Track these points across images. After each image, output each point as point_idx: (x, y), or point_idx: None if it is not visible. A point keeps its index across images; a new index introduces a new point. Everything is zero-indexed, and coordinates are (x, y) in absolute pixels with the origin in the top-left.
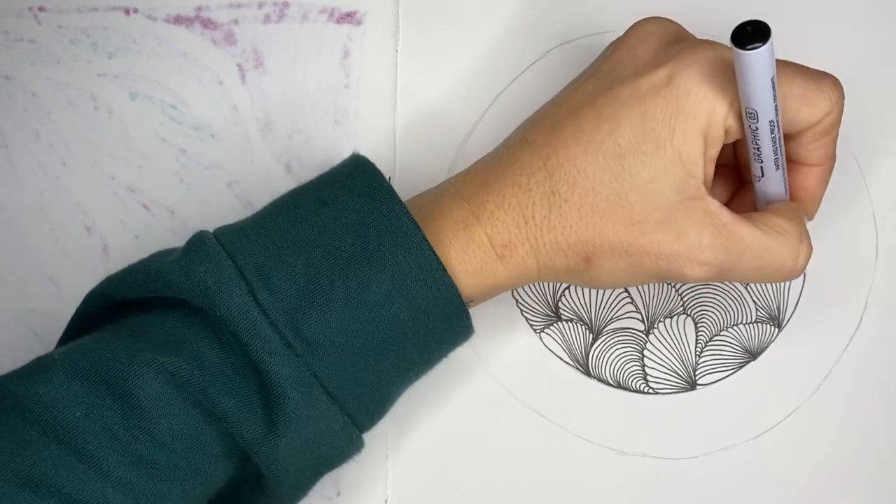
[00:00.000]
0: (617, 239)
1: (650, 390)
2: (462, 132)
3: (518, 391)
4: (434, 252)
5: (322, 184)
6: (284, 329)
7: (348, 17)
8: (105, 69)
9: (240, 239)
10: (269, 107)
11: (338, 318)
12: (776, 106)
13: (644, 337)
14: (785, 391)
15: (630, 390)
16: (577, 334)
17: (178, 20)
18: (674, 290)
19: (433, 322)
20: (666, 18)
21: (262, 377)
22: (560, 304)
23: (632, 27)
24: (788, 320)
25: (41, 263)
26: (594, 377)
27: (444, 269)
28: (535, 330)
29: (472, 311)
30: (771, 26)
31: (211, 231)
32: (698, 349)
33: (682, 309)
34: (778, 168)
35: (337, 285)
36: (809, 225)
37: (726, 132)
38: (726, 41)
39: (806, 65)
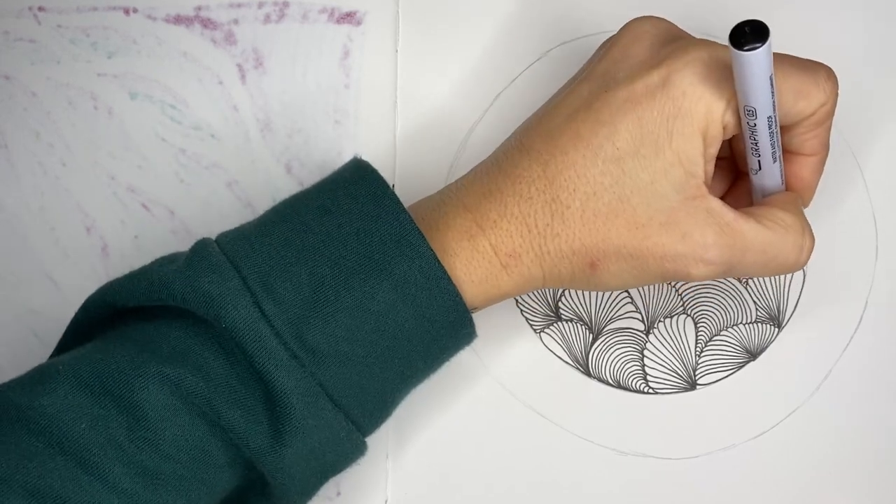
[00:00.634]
0: (621, 243)
1: (650, 390)
2: (462, 132)
3: (518, 391)
4: (438, 261)
5: (325, 190)
6: (289, 340)
7: (348, 17)
8: (105, 69)
9: (243, 248)
10: (269, 107)
11: (343, 327)
12: (774, 102)
13: (644, 337)
14: (785, 391)
15: (630, 390)
16: (577, 334)
17: (178, 20)
18: (674, 290)
19: (437, 330)
20: (658, 17)
21: (268, 388)
22: (560, 304)
23: (624, 27)
24: (788, 320)
25: (41, 263)
26: (594, 377)
27: (449, 279)
28: (535, 330)
29: (477, 312)
30: (769, 25)
31: (213, 237)
32: (698, 349)
33: (682, 309)
34: (775, 161)
35: (341, 295)
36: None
37: (724, 129)
38: (724, 39)
39: (800, 56)
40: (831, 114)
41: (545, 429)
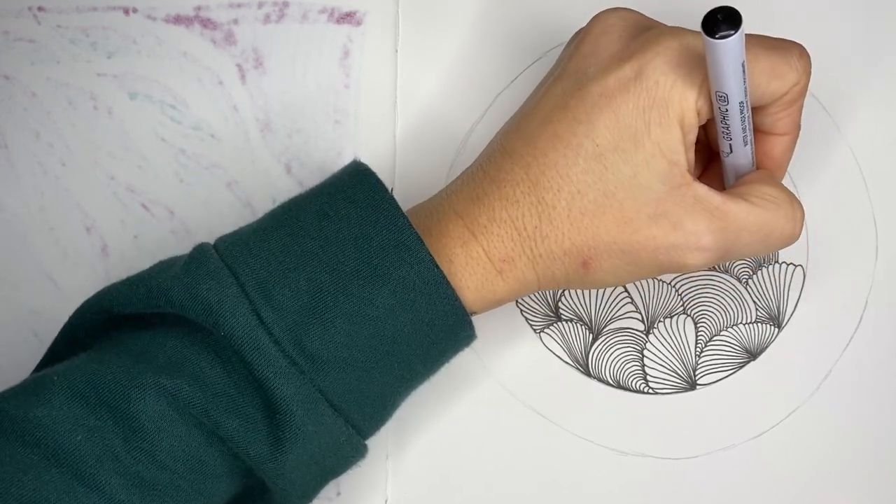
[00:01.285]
0: (611, 239)
1: (650, 390)
2: (462, 132)
3: (518, 391)
4: (437, 266)
5: (324, 194)
6: (288, 347)
7: (348, 17)
8: (105, 69)
9: (242, 253)
10: (269, 107)
11: (342, 333)
12: (745, 88)
13: (644, 337)
14: (785, 391)
15: (630, 390)
16: (577, 334)
17: (178, 20)
18: (673, 289)
19: (436, 334)
20: (626, 8)
21: (267, 395)
22: (560, 304)
23: (592, 20)
24: (788, 320)
25: (41, 263)
26: (594, 377)
27: (448, 283)
28: (535, 330)
29: (474, 317)
30: (741, 11)
31: (213, 241)
32: (698, 349)
33: (681, 309)
34: (746, 144)
35: (340, 301)
36: (810, 224)
37: (698, 115)
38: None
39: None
40: (804, 92)
41: (545, 429)
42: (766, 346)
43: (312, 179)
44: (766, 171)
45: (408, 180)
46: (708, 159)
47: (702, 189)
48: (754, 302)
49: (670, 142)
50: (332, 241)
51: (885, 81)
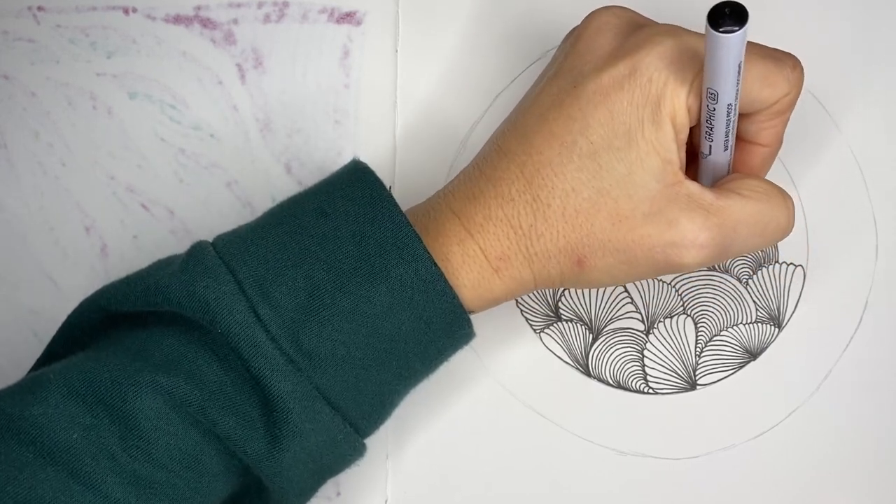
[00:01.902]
0: (605, 237)
1: (650, 390)
2: (462, 132)
3: (518, 391)
4: (435, 264)
5: (322, 192)
6: (286, 344)
7: (348, 17)
8: (104, 69)
9: (240, 251)
10: (269, 107)
11: (339, 331)
12: (737, 91)
13: (644, 337)
14: (785, 391)
15: (630, 390)
16: (577, 334)
17: (178, 20)
18: (673, 289)
19: (435, 332)
20: (620, 7)
21: (264, 393)
22: (560, 304)
23: (587, 19)
24: (788, 320)
25: (40, 263)
26: (594, 377)
27: (446, 280)
28: (535, 330)
29: (472, 315)
30: (749, 11)
31: (210, 240)
32: (698, 349)
33: (682, 309)
34: (727, 149)
35: (338, 299)
36: (810, 224)
37: (688, 112)
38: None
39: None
40: (793, 105)
41: (545, 429)
42: (766, 346)
43: (312, 179)
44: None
45: (407, 180)
46: (688, 161)
47: (694, 187)
48: (754, 302)
49: (663, 139)
50: (330, 238)
51: (886, 81)
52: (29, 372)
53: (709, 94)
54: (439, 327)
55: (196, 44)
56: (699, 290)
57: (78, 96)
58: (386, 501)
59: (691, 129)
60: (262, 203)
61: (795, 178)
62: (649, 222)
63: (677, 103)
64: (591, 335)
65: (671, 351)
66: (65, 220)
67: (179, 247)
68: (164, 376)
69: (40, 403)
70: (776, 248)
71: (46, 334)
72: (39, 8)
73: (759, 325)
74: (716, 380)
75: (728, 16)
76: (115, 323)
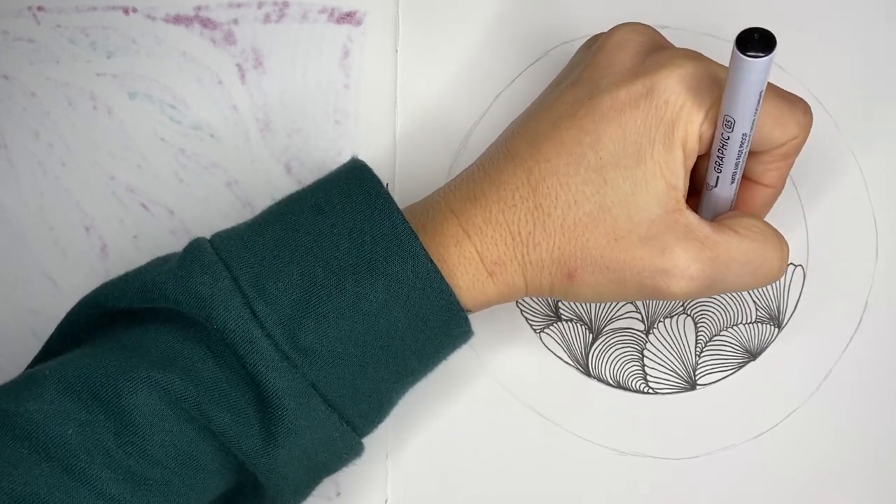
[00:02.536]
0: (599, 254)
1: (650, 390)
2: (462, 132)
3: (518, 391)
4: (431, 261)
5: (319, 189)
6: (281, 341)
7: (348, 17)
8: (104, 69)
9: (236, 248)
10: (269, 107)
11: (335, 328)
12: (754, 122)
13: (644, 337)
14: (785, 391)
15: (630, 390)
16: (577, 334)
17: (178, 20)
18: None
19: (431, 329)
20: (644, 25)
21: (259, 389)
22: (560, 304)
23: (609, 33)
24: (788, 320)
25: (40, 263)
26: (594, 377)
27: (442, 278)
28: (535, 330)
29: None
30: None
31: (208, 237)
32: (698, 349)
33: (681, 309)
34: (733, 182)
35: (334, 295)
36: (810, 224)
37: (700, 140)
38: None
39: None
40: (799, 149)
41: (545, 429)
42: (766, 346)
43: (312, 179)
44: (744, 211)
45: (408, 180)
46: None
47: (693, 217)
48: (754, 302)
49: (671, 164)
50: (327, 235)
51: (886, 81)
52: (26, 369)
53: (725, 122)
54: (436, 325)
55: (196, 44)
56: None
57: (78, 96)
58: (386, 501)
59: (697, 160)
60: (263, 203)
61: (796, 178)
62: (644, 245)
63: (691, 129)
64: (591, 335)
65: (671, 351)
66: (65, 220)
67: (179, 247)
68: (160, 372)
69: (36, 399)
70: None
71: (46, 334)
72: (39, 8)
73: (759, 325)
74: (716, 380)
75: (757, 41)
76: (113, 320)
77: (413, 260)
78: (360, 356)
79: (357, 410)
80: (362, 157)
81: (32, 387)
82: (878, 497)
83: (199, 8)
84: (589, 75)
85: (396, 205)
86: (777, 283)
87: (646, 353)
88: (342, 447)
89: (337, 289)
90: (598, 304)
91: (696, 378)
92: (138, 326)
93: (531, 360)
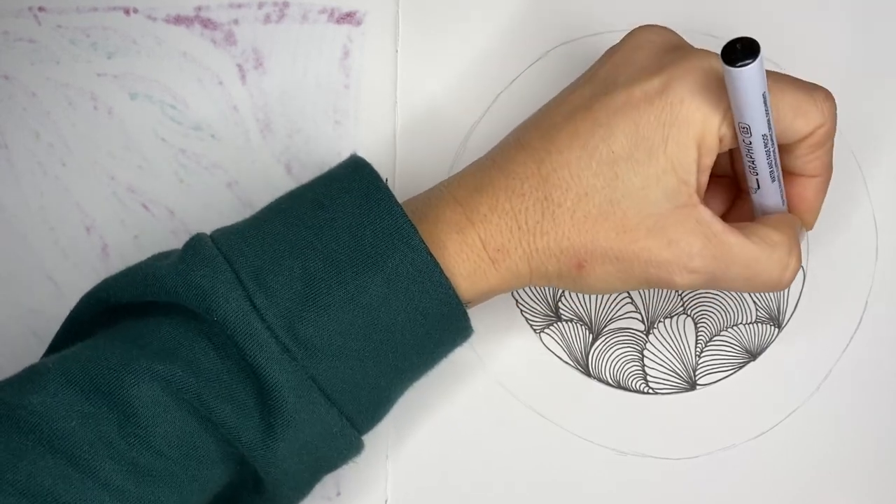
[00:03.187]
0: (608, 245)
1: (650, 390)
2: (462, 132)
3: (518, 391)
4: (430, 254)
5: (319, 185)
6: (281, 333)
7: (348, 18)
8: (105, 69)
9: (237, 242)
10: (269, 107)
11: (335, 321)
12: (769, 120)
13: (644, 337)
14: (785, 391)
15: (630, 390)
16: (577, 334)
17: (178, 20)
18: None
19: (431, 323)
20: (662, 26)
21: (260, 382)
22: (560, 304)
23: (629, 34)
24: (788, 320)
25: (41, 263)
26: (594, 377)
27: (441, 271)
28: (535, 330)
29: (471, 311)
30: (760, 42)
31: (209, 233)
32: (698, 349)
33: (682, 309)
34: (774, 180)
35: (334, 289)
36: None
37: (720, 141)
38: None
39: (798, 77)
40: (831, 136)
41: (545, 429)
42: (766, 346)
43: None
44: (792, 216)
45: (408, 180)
46: (734, 196)
47: (706, 213)
48: (754, 302)
49: (684, 161)
50: (327, 229)
51: (886, 81)
52: None
53: (741, 129)
54: (435, 318)
55: (196, 44)
56: (699, 290)
57: (78, 96)
58: (386, 501)
59: (733, 165)
60: (262, 203)
61: None
62: (651, 237)
63: (708, 129)
64: (591, 335)
65: (671, 351)
66: (65, 220)
67: (180, 246)
68: (161, 364)
69: (39, 392)
70: None
71: (46, 334)
72: (40, 8)
73: (759, 325)
74: (716, 380)
75: (740, 51)
76: (115, 315)
77: (412, 253)
78: (359, 350)
79: (357, 406)
80: (362, 156)
81: (35, 380)
82: (878, 497)
83: (199, 8)
84: (606, 73)
85: (396, 199)
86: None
87: (646, 353)
88: (342, 443)
89: (337, 282)
90: (598, 305)
91: (696, 378)
92: (140, 319)
93: (531, 360)
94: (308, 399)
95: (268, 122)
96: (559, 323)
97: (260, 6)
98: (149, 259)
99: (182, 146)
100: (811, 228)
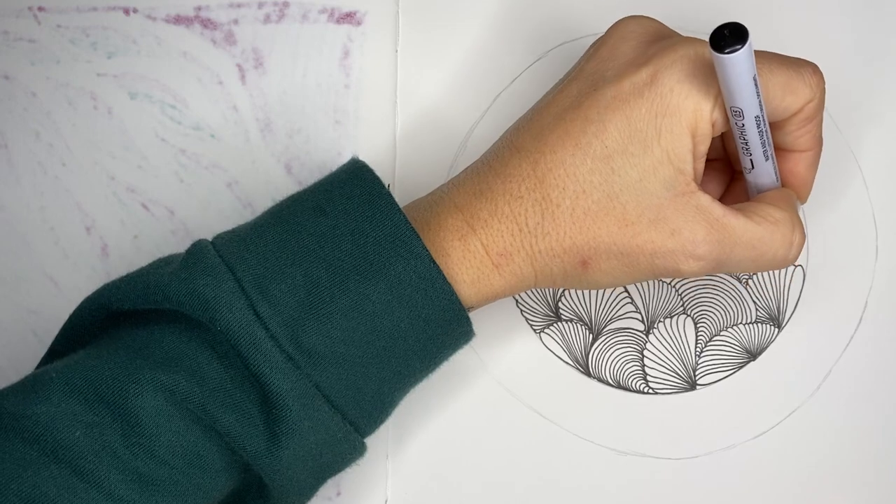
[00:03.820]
0: (611, 240)
1: (650, 390)
2: (462, 132)
3: (518, 391)
4: (433, 261)
5: (320, 190)
6: (285, 342)
7: (348, 17)
8: (105, 69)
9: (239, 250)
10: (269, 107)
11: (338, 329)
12: (760, 102)
13: (644, 337)
14: (785, 391)
15: (630, 390)
16: (577, 334)
17: (178, 20)
18: (674, 289)
19: (433, 329)
20: (646, 17)
21: (264, 390)
22: (560, 304)
23: (612, 27)
24: (788, 320)
25: (41, 263)
26: (594, 377)
27: (444, 278)
28: (535, 330)
29: (472, 312)
30: (748, 27)
31: (210, 239)
32: (698, 349)
33: (681, 309)
34: (767, 159)
35: (337, 297)
36: (810, 224)
37: (713, 126)
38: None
39: (785, 54)
40: (820, 109)
41: (545, 429)
42: (766, 346)
43: (312, 179)
44: (787, 190)
45: (408, 180)
46: (731, 178)
47: (705, 199)
48: (754, 302)
49: (679, 150)
50: (329, 236)
51: (886, 81)
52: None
53: (733, 113)
54: (438, 325)
55: (196, 44)
56: (699, 290)
57: (78, 96)
58: (386, 501)
59: (726, 147)
60: (263, 203)
61: None
62: (653, 229)
63: (700, 116)
64: (591, 335)
65: (671, 351)
66: (65, 220)
67: (180, 247)
68: (165, 374)
69: (42, 402)
70: None
71: (46, 334)
72: (40, 8)
73: (759, 325)
74: (716, 380)
75: (728, 36)
76: (116, 321)
77: (415, 260)
78: (362, 357)
79: (360, 411)
80: (362, 157)
81: (39, 389)
82: (878, 497)
83: (199, 8)
84: (592, 68)
85: (398, 205)
86: (777, 283)
87: (646, 353)
88: (346, 447)
89: (340, 290)
90: (598, 305)
91: (696, 378)
92: (143, 328)
93: (531, 360)
94: (312, 407)
95: (268, 122)
96: (559, 323)
97: (260, 6)
98: (150, 265)
99: (182, 146)
100: (805, 202)
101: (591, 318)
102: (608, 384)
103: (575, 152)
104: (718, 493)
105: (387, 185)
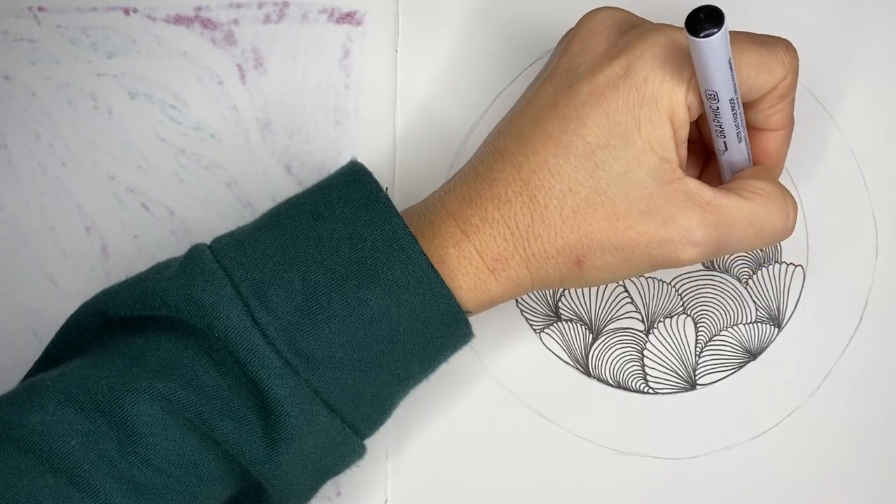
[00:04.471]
0: (604, 236)
1: (650, 390)
2: (462, 132)
3: (518, 391)
4: (432, 266)
5: (318, 194)
6: (283, 348)
7: (348, 18)
8: (105, 69)
9: (237, 254)
10: (269, 107)
11: (336, 334)
12: (735, 84)
13: (644, 337)
14: (785, 391)
15: (630, 390)
16: (577, 334)
17: (178, 20)
18: (673, 289)
19: (432, 333)
20: (614, 7)
21: (262, 396)
22: (560, 304)
23: (580, 20)
24: (788, 320)
25: (41, 263)
26: (594, 377)
27: (442, 282)
28: (535, 330)
29: (470, 317)
30: (723, 8)
31: (208, 242)
32: (698, 349)
33: (681, 309)
34: (741, 141)
35: (335, 302)
36: (810, 224)
37: (689, 111)
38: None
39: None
40: (793, 87)
41: (545, 429)
42: (766, 346)
43: (312, 179)
44: (762, 166)
45: (408, 180)
46: (706, 159)
47: (693, 184)
48: (754, 302)
49: (661, 138)
50: (326, 241)
51: (885, 80)
52: (27, 375)
53: (708, 96)
54: (437, 328)
55: (196, 44)
56: (699, 289)
57: (78, 96)
58: (386, 501)
59: (699, 128)
60: (262, 203)
61: (795, 178)
62: (646, 220)
63: (676, 102)
64: (591, 335)
65: (671, 351)
66: (65, 220)
67: (180, 247)
68: (161, 382)
69: (38, 411)
70: (778, 247)
71: (46, 334)
72: (40, 8)
73: (759, 325)
74: (716, 380)
75: (705, 20)
76: (113, 327)
77: (413, 265)
78: (361, 361)
79: (359, 414)
80: (362, 157)
81: (34, 398)
82: (878, 497)
83: (199, 8)
84: (565, 65)
85: (395, 209)
86: (777, 283)
87: (646, 353)
88: (345, 450)
89: (338, 295)
90: (598, 304)
91: (696, 378)
92: (139, 335)
93: (531, 360)
94: (311, 412)
95: (268, 122)
96: (559, 323)
97: (260, 6)
98: (148, 271)
99: (182, 146)
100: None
101: (591, 318)
102: (608, 384)
103: (557, 152)
104: (718, 493)
105: (385, 188)
